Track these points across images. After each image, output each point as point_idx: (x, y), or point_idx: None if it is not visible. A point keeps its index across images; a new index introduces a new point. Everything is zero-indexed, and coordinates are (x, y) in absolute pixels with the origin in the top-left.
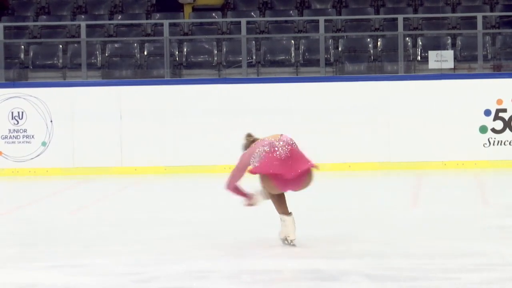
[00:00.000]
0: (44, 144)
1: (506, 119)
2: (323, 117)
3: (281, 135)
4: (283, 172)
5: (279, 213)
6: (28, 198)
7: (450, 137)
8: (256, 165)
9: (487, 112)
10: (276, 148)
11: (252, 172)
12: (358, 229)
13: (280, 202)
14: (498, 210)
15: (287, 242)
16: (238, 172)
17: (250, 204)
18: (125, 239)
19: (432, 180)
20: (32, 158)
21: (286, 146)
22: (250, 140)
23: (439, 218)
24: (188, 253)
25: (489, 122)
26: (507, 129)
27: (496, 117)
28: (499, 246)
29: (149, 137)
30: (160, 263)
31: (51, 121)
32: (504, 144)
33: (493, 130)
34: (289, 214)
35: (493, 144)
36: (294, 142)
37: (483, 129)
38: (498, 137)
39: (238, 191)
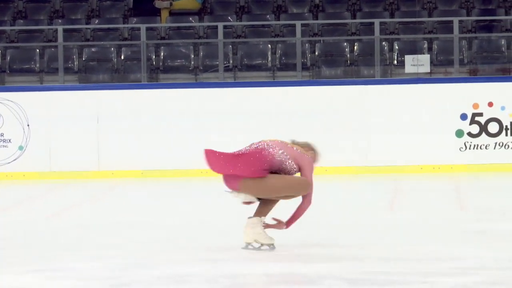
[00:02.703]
0: (21, 148)
1: (482, 123)
2: (299, 121)
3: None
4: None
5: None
6: (5, 203)
7: (426, 141)
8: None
9: (463, 116)
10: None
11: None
12: (335, 233)
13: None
14: (475, 214)
15: (251, 246)
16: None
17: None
18: (103, 243)
19: (409, 184)
20: (8, 162)
21: (252, 147)
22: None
23: (416, 222)
24: (166, 257)
25: (465, 126)
26: (483, 133)
27: (472, 121)
28: (475, 250)
29: (126, 141)
30: (138, 267)
31: (28, 125)
32: (480, 148)
33: (469, 134)
34: (263, 217)
35: (469, 148)
36: (267, 147)
37: (459, 133)
38: (474, 141)
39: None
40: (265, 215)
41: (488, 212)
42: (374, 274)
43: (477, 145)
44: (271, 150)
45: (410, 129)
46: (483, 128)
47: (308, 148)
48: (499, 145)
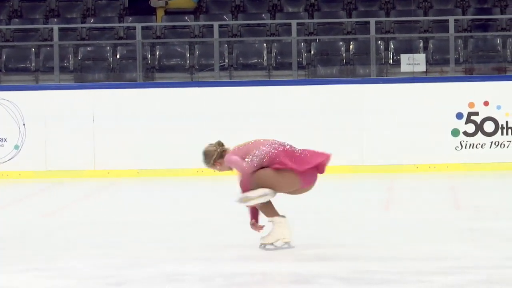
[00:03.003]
0: (16, 147)
1: (478, 122)
2: (295, 121)
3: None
4: (306, 163)
5: (271, 216)
6: (0, 202)
7: (422, 140)
8: (272, 162)
9: (459, 115)
10: (286, 145)
11: (280, 167)
12: (330, 232)
13: (271, 205)
14: (470, 213)
15: (273, 246)
16: (247, 176)
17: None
18: (99, 242)
19: (405, 183)
20: (4, 162)
21: (290, 145)
22: (223, 149)
23: (412, 221)
24: (162, 256)
25: (461, 125)
26: (479, 132)
27: (468, 120)
28: (471, 249)
29: (122, 140)
30: (134, 266)
31: (24, 125)
32: (476, 147)
33: (465, 133)
34: (283, 216)
35: (465, 147)
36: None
37: (455, 132)
38: (470, 140)
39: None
40: (277, 213)
41: (483, 211)
42: (369, 273)
43: (473, 144)
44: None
45: (406, 128)
46: (479, 127)
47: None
48: (495, 144)
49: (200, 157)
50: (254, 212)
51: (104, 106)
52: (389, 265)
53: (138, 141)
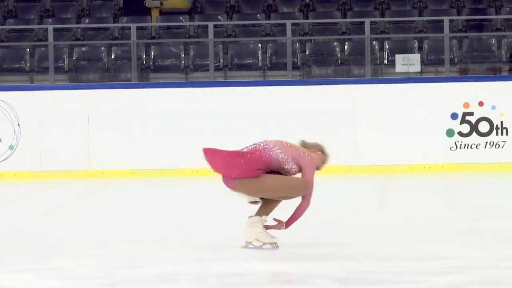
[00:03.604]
0: (11, 147)
1: (473, 122)
2: (290, 121)
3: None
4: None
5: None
6: None
7: (417, 141)
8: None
9: (454, 116)
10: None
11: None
12: (326, 233)
13: (273, 206)
14: (465, 213)
15: (252, 245)
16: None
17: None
18: (93, 243)
19: (399, 184)
20: None
21: (249, 147)
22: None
23: (407, 221)
24: (156, 256)
25: (456, 125)
26: (474, 132)
27: (463, 121)
28: (466, 249)
29: (117, 141)
30: (128, 267)
31: (19, 125)
32: (471, 147)
33: (460, 133)
34: (264, 216)
35: (460, 148)
36: (269, 148)
37: (450, 133)
38: (465, 140)
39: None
40: (266, 214)
41: (478, 212)
42: (364, 273)
43: (468, 144)
44: (268, 150)
45: (401, 129)
46: (474, 128)
47: (316, 149)
48: (489, 144)
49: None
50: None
51: (99, 107)
52: (384, 265)
53: (133, 142)
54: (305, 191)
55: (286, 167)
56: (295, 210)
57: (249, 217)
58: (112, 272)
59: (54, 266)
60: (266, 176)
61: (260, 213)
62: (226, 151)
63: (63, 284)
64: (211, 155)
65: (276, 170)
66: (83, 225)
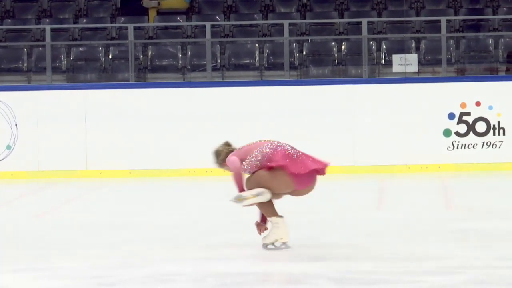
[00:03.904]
0: (9, 147)
1: (470, 122)
2: (287, 121)
3: (264, 140)
4: (300, 165)
5: (269, 216)
6: None
7: (414, 141)
8: (267, 162)
9: (451, 116)
10: (287, 147)
11: (273, 167)
12: (323, 233)
13: (270, 205)
14: (462, 213)
15: (273, 246)
16: (239, 177)
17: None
18: (91, 243)
19: (396, 184)
20: None
21: (290, 146)
22: (230, 150)
23: (403, 221)
24: (153, 256)
25: (453, 125)
26: (471, 132)
27: (460, 121)
28: (462, 249)
29: (114, 141)
30: (125, 267)
31: (16, 125)
32: (468, 147)
33: (457, 133)
34: (280, 216)
35: (457, 148)
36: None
37: (447, 133)
38: (462, 140)
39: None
40: (275, 213)
41: (475, 212)
42: (361, 273)
43: (465, 144)
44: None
45: (398, 129)
46: (471, 128)
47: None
48: (486, 144)
49: (211, 156)
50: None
51: (96, 107)
52: (381, 265)
53: (130, 142)
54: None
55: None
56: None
57: (281, 216)
58: (110, 272)
59: (52, 266)
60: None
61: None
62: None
63: (62, 284)
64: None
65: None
66: (81, 225)
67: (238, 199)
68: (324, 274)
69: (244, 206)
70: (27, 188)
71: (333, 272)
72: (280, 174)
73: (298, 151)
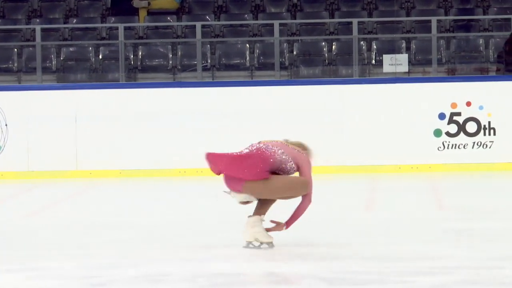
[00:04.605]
0: None
1: (461, 122)
2: (277, 121)
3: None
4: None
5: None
6: None
7: (404, 141)
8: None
9: (442, 116)
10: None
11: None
12: (313, 233)
13: (266, 204)
14: (453, 213)
15: (252, 245)
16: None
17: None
18: (81, 243)
19: (387, 184)
20: None
21: (253, 148)
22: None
23: (394, 221)
24: (144, 257)
25: (444, 125)
26: (461, 132)
27: (451, 121)
28: (453, 249)
29: (104, 141)
30: (116, 267)
31: (6, 125)
32: (459, 147)
33: (448, 133)
34: (249, 215)
35: (448, 148)
36: (271, 151)
37: (437, 133)
38: (453, 140)
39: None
40: (264, 213)
41: (466, 212)
42: (352, 273)
43: (455, 144)
44: (271, 151)
45: (388, 129)
46: (461, 128)
47: (302, 147)
48: (477, 144)
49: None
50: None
51: (87, 107)
52: (372, 266)
53: (121, 142)
54: (305, 190)
55: (287, 166)
56: (296, 209)
57: (248, 216)
58: (101, 272)
59: (42, 266)
60: (273, 178)
61: (258, 212)
62: (232, 154)
63: (52, 284)
64: (216, 159)
65: (275, 170)
66: (71, 225)
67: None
68: (314, 274)
69: (240, 203)
70: (17, 188)
71: (324, 272)
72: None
73: (250, 152)
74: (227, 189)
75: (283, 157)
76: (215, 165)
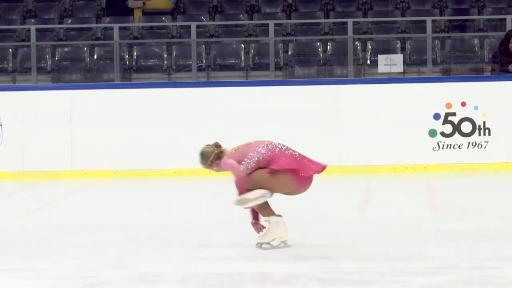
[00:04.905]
0: None
1: (455, 123)
2: (273, 121)
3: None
4: (303, 167)
5: (267, 215)
6: None
7: (399, 141)
8: (269, 165)
9: (437, 116)
10: (283, 147)
11: (277, 168)
12: (309, 233)
13: (267, 205)
14: (448, 213)
15: (270, 245)
16: (242, 180)
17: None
18: (76, 243)
19: (382, 184)
20: None
21: (287, 147)
22: (220, 151)
23: (389, 221)
24: (138, 257)
25: (439, 126)
26: (456, 133)
27: (446, 121)
28: (448, 250)
29: (99, 141)
30: (110, 267)
31: (1, 125)
32: (453, 147)
33: (442, 134)
34: (279, 215)
35: (442, 148)
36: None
37: (432, 133)
38: (447, 141)
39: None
40: (273, 213)
41: (461, 212)
42: (347, 273)
43: (450, 144)
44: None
45: (383, 129)
46: (456, 128)
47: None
48: (472, 144)
49: (197, 157)
50: (255, 212)
51: (82, 107)
52: (367, 266)
53: (116, 142)
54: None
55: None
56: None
57: (280, 215)
58: (95, 273)
59: (36, 266)
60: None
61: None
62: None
63: (47, 284)
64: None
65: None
66: (66, 225)
67: (241, 202)
68: (310, 274)
69: (245, 208)
70: (12, 188)
71: (319, 273)
72: (283, 175)
73: (295, 151)
74: (236, 201)
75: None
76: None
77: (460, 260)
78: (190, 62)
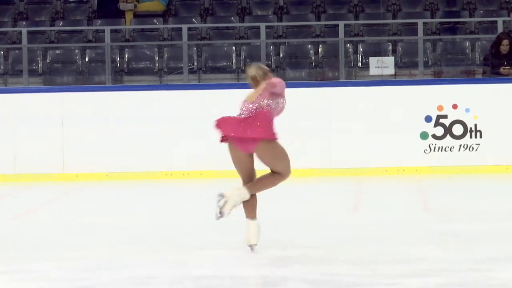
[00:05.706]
0: None
1: (447, 125)
2: None
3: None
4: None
5: (246, 216)
6: None
7: (391, 143)
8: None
9: (428, 119)
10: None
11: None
12: (299, 235)
13: (251, 205)
14: (439, 215)
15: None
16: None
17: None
18: (67, 245)
19: (373, 186)
20: None
21: (252, 109)
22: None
23: (380, 223)
24: (130, 259)
25: (430, 128)
26: (448, 135)
27: (437, 123)
28: (440, 252)
29: (91, 144)
30: (102, 269)
31: None
32: (445, 150)
33: (434, 136)
34: (252, 218)
35: (434, 150)
36: (269, 107)
37: (424, 135)
38: (439, 143)
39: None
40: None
41: (453, 214)
42: (338, 276)
43: (442, 147)
44: (266, 106)
45: (375, 131)
46: (448, 130)
47: (264, 72)
48: (463, 147)
49: (253, 66)
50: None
51: (73, 109)
52: (358, 268)
53: (107, 144)
54: (289, 170)
55: (279, 105)
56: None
57: (251, 220)
58: (86, 275)
59: (28, 268)
60: (279, 145)
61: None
62: (239, 117)
63: (37, 286)
64: (225, 122)
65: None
66: (57, 227)
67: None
68: (300, 276)
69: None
70: (3, 190)
71: (310, 275)
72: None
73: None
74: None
75: (273, 104)
76: (225, 128)
77: (453, 262)
78: (182, 65)
